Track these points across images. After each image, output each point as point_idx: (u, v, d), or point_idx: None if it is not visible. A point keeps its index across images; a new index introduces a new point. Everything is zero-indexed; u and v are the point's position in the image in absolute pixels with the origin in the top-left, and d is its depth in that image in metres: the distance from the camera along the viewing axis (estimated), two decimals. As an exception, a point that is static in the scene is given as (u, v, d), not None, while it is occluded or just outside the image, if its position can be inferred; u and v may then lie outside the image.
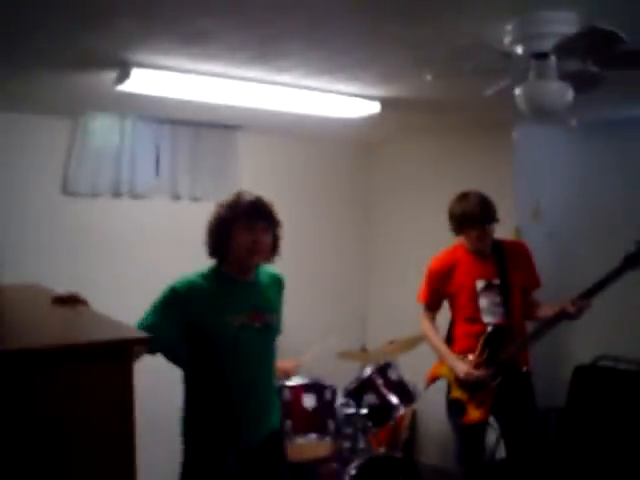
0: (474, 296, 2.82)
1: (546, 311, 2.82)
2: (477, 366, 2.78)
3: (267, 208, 2.20)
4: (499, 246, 2.88)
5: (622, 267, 2.59)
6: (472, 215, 2.77)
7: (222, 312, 2.09)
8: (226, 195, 3.90)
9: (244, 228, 2.13)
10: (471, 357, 2.79)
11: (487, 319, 2.81)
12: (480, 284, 2.83)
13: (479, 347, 2.77)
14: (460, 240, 2.92)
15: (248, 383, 2.14)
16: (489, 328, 2.78)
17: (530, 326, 2.89)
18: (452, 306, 2.95)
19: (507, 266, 2.84)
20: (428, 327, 2.97)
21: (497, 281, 2.82)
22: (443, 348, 2.89)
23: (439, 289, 2.93)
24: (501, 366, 2.75)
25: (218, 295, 2.12)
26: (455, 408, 2.85)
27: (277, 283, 2.32)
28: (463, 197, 2.84)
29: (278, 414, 2.29)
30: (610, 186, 3.71)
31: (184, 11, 1.92)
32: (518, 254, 2.91)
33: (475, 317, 2.82)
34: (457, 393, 2.84)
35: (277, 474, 2.25)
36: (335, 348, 3.29)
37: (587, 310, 2.66)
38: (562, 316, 2.70)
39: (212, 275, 2.16)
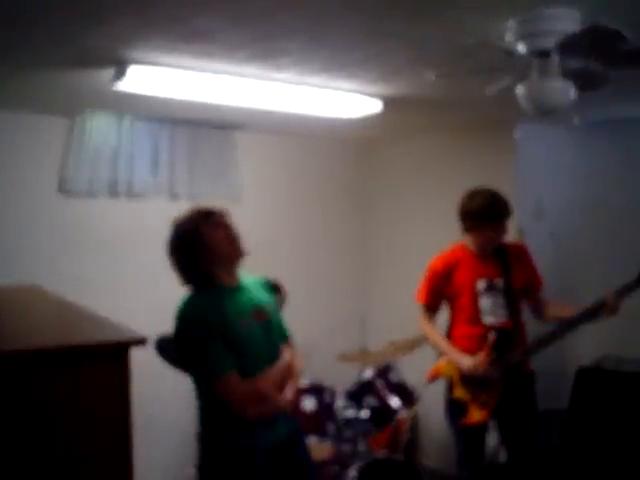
0: (475, 297, 2.79)
1: (558, 312, 2.76)
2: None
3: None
4: (500, 247, 2.86)
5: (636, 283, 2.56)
6: (494, 209, 2.73)
7: (234, 318, 2.07)
8: (225, 194, 3.92)
9: (216, 228, 2.13)
10: (480, 355, 2.75)
11: (489, 320, 2.78)
12: (481, 284, 2.80)
13: (486, 349, 2.73)
14: (464, 240, 2.90)
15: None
16: (493, 334, 2.72)
17: (536, 329, 2.86)
18: (452, 307, 2.91)
19: (510, 267, 2.82)
20: (428, 327, 2.93)
21: (500, 282, 2.80)
22: (446, 346, 2.85)
23: (439, 290, 2.89)
24: (509, 368, 2.72)
25: (223, 304, 2.09)
26: (456, 408, 2.81)
27: (264, 286, 2.31)
28: (477, 193, 2.79)
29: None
30: (613, 186, 3.71)
31: (181, 9, 1.90)
32: (520, 255, 2.89)
33: (475, 318, 2.79)
34: (459, 393, 2.80)
35: (305, 471, 2.24)
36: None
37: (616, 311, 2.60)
38: (595, 312, 2.61)
39: (210, 292, 2.12)
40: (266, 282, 2.33)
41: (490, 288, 2.79)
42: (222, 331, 2.02)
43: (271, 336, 2.16)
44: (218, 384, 2.01)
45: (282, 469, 2.14)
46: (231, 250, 2.13)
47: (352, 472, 2.87)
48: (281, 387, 2.10)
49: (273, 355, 2.14)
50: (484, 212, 2.74)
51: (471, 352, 2.76)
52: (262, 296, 2.23)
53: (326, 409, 3.06)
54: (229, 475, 2.08)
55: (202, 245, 2.08)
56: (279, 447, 2.13)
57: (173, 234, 2.14)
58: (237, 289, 2.16)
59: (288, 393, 2.11)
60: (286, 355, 2.17)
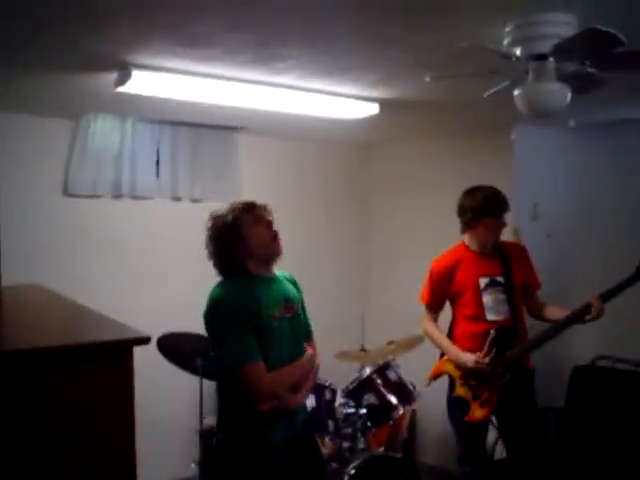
0: (477, 293, 2.81)
1: (555, 313, 2.80)
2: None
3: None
4: (500, 246, 2.89)
5: (634, 277, 2.58)
6: (494, 202, 2.77)
7: (266, 308, 2.09)
8: (226, 195, 3.94)
9: (257, 223, 2.13)
10: (479, 354, 2.77)
11: (491, 317, 2.79)
12: (484, 281, 2.82)
13: (486, 346, 2.75)
14: (464, 238, 2.92)
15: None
16: (493, 331, 2.75)
17: (536, 328, 2.88)
18: (454, 306, 2.93)
19: (510, 264, 2.84)
20: (430, 326, 2.95)
21: (501, 279, 2.82)
22: (446, 343, 2.87)
23: (442, 290, 2.91)
24: (508, 365, 2.74)
25: (257, 293, 2.10)
26: (458, 406, 2.83)
27: (293, 282, 2.33)
28: (476, 189, 2.83)
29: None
30: (608, 187, 3.72)
31: (183, 14, 1.92)
32: (519, 254, 2.92)
33: (478, 315, 2.80)
34: (461, 391, 2.82)
35: (316, 462, 2.26)
36: None
37: (602, 314, 2.62)
38: (575, 318, 2.67)
39: (243, 280, 2.13)
40: (292, 278, 2.34)
41: (492, 285, 2.81)
42: (254, 318, 2.03)
43: (296, 332, 2.17)
44: (244, 370, 2.00)
45: (298, 462, 2.14)
46: (269, 248, 2.14)
47: (350, 469, 2.89)
48: (301, 384, 2.12)
49: (297, 351, 2.16)
50: (484, 205, 2.77)
51: (474, 350, 2.77)
52: (292, 290, 2.25)
53: (326, 407, 3.08)
54: (246, 473, 2.09)
55: (240, 238, 2.10)
56: (295, 440, 2.14)
57: (212, 225, 2.14)
58: (271, 279, 2.18)
59: (304, 391, 2.12)
60: (309, 354, 2.19)
